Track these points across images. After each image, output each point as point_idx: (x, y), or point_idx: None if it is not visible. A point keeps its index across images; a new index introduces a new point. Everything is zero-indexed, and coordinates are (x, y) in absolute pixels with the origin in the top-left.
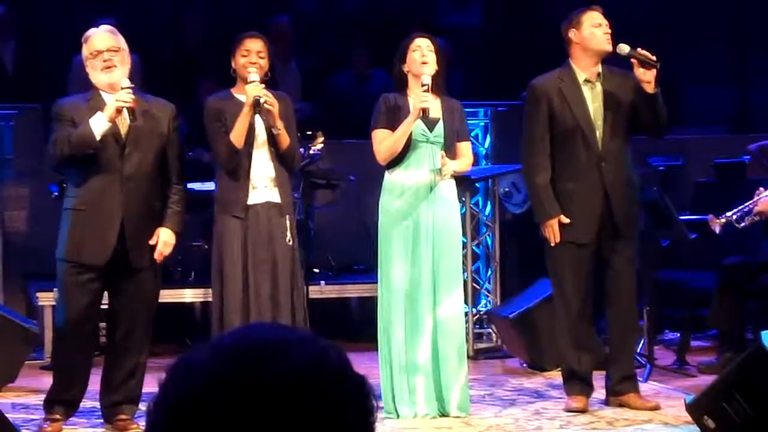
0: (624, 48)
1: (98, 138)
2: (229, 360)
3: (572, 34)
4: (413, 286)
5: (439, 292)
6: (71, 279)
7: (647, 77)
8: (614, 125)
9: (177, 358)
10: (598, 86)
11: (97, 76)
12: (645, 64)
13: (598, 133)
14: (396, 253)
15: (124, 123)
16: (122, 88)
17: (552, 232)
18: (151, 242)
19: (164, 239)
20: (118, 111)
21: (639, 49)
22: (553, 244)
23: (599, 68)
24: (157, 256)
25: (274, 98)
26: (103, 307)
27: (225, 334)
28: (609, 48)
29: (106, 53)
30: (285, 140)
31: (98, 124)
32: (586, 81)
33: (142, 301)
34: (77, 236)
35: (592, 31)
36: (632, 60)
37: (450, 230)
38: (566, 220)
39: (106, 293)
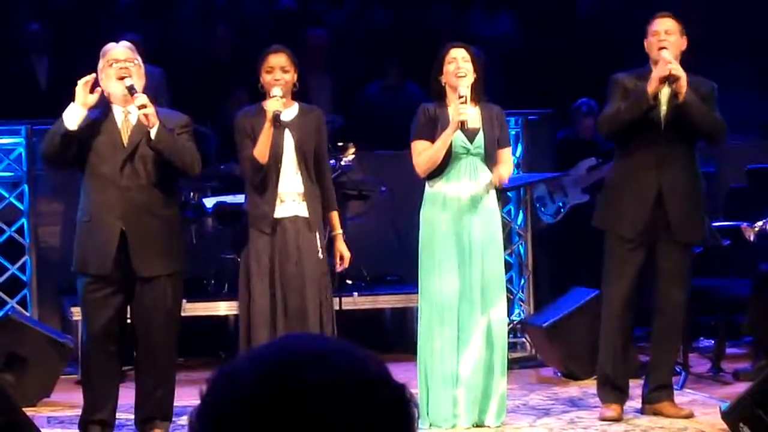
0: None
1: (71, 128)
2: (270, 369)
3: (645, 42)
4: (457, 298)
5: (486, 303)
6: (90, 296)
7: (677, 89)
8: (678, 128)
9: (217, 370)
10: (668, 90)
11: (110, 84)
12: (666, 78)
13: (662, 133)
14: (438, 265)
15: (125, 134)
16: (126, 87)
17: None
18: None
19: (148, 109)
20: (87, 86)
21: (666, 64)
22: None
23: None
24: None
25: (304, 112)
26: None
27: (264, 344)
28: (657, 57)
29: (121, 62)
30: None
31: (71, 114)
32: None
33: (160, 312)
34: (83, 247)
35: (650, 39)
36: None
37: (493, 241)
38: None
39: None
